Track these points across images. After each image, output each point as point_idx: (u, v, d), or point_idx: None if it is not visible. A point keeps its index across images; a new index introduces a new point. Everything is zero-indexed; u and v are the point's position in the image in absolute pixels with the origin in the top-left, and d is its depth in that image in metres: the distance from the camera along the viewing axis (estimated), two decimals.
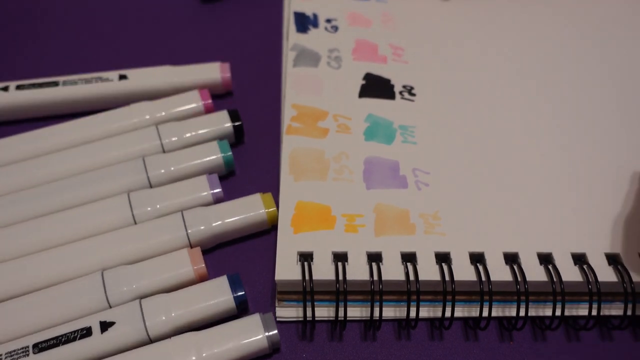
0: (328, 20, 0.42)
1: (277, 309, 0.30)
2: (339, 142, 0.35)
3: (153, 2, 0.46)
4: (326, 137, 0.35)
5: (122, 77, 0.38)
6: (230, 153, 0.35)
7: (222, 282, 0.29)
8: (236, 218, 0.32)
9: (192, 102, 0.37)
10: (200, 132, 0.36)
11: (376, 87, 0.38)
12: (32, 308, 0.29)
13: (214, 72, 0.39)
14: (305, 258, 0.30)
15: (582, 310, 0.30)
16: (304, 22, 0.42)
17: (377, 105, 0.37)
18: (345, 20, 0.42)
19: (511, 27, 0.43)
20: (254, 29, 0.44)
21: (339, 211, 0.32)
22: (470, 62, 0.40)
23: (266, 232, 0.33)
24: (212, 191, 0.33)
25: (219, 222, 0.31)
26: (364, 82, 0.38)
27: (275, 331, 0.28)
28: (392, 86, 0.38)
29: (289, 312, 0.30)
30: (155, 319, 0.28)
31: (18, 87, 0.37)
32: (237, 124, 0.36)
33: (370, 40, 0.41)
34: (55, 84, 0.37)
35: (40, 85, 0.37)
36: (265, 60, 0.42)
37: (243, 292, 0.29)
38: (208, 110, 0.37)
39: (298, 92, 0.37)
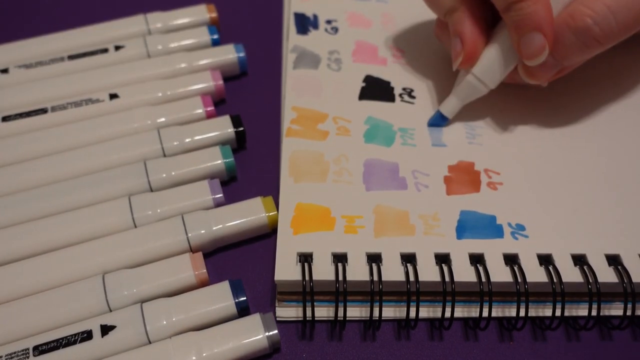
0: (328, 22, 0.42)
1: (277, 308, 0.30)
2: (339, 144, 0.35)
3: None
4: (326, 140, 0.35)
5: (113, 96, 0.37)
6: (232, 159, 0.34)
7: (224, 287, 0.30)
8: (237, 222, 0.32)
9: (194, 108, 0.37)
10: (202, 137, 0.35)
11: (376, 89, 0.38)
12: (33, 310, 0.29)
13: (206, 80, 0.38)
14: (305, 258, 0.30)
15: (582, 311, 0.30)
16: (304, 23, 0.42)
17: (377, 108, 0.37)
18: (345, 21, 0.42)
19: None
20: (253, 30, 0.44)
21: (339, 212, 0.32)
22: None
23: (267, 235, 0.33)
24: (213, 196, 0.33)
25: (220, 226, 0.31)
26: (363, 84, 0.38)
27: (276, 331, 0.28)
28: (392, 88, 0.38)
29: (288, 312, 0.30)
30: (156, 323, 0.28)
31: (4, 119, 0.36)
32: (239, 129, 0.36)
33: (370, 42, 0.41)
34: (44, 110, 0.36)
35: (28, 114, 0.36)
36: (266, 61, 0.42)
37: (244, 298, 0.29)
38: (210, 116, 0.37)
39: (298, 95, 0.37)
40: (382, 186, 0.33)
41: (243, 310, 0.29)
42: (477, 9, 0.34)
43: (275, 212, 0.32)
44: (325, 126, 0.36)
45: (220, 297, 0.29)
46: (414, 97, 0.38)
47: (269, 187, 0.35)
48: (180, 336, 0.28)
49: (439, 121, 0.36)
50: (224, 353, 0.27)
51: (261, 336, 0.28)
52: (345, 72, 0.39)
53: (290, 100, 0.37)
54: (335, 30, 0.42)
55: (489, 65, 0.34)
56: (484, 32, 0.34)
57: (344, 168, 0.34)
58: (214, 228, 0.31)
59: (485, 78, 0.34)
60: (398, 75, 0.39)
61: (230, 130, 0.36)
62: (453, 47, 0.35)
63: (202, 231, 0.31)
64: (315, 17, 0.43)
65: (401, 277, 0.29)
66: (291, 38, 0.41)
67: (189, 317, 0.29)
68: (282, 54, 0.42)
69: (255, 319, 0.28)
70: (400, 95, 0.38)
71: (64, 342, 0.27)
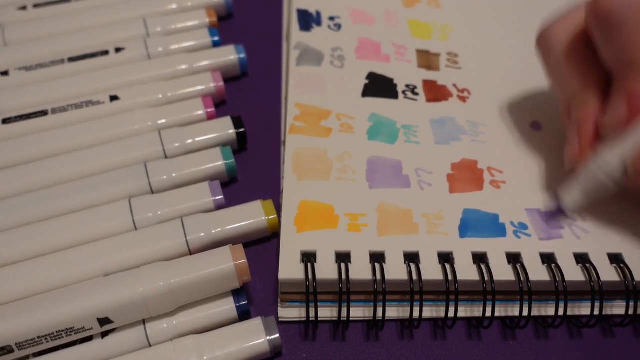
0: (331, 18, 0.42)
1: (279, 309, 0.30)
2: (342, 141, 0.35)
3: None
4: (329, 137, 0.35)
5: (114, 97, 0.37)
6: (232, 160, 0.34)
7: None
8: (236, 225, 0.32)
9: (195, 109, 0.37)
10: (203, 138, 0.35)
11: (379, 86, 0.38)
12: None
13: (206, 81, 0.38)
14: (309, 258, 0.30)
15: (585, 309, 0.30)
16: (307, 20, 0.42)
17: (380, 105, 0.37)
18: (348, 17, 0.42)
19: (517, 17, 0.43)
20: (254, 31, 0.44)
21: (342, 210, 0.32)
22: (471, 61, 0.40)
23: (266, 239, 0.33)
24: (213, 198, 0.33)
25: (219, 229, 0.31)
26: (367, 81, 0.38)
27: (277, 335, 0.28)
28: (395, 85, 0.38)
29: (291, 312, 0.30)
30: (156, 326, 0.28)
31: (4, 121, 0.36)
32: (240, 130, 0.36)
33: (374, 39, 0.41)
34: (44, 113, 0.36)
35: (29, 117, 0.36)
36: (267, 62, 0.42)
37: (246, 302, 0.29)
38: (210, 117, 0.37)
39: (301, 92, 0.37)
40: (386, 184, 0.33)
41: (244, 314, 0.29)
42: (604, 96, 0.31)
43: (275, 216, 0.32)
44: (328, 123, 0.36)
45: (221, 301, 0.29)
46: (417, 94, 0.38)
47: (270, 188, 0.35)
48: (182, 339, 0.28)
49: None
50: (226, 356, 0.27)
51: (262, 340, 0.28)
52: (348, 69, 0.39)
53: (293, 97, 0.37)
54: (339, 27, 0.42)
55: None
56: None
57: (348, 165, 0.34)
58: (213, 231, 0.31)
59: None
60: (401, 72, 0.39)
61: (231, 131, 0.36)
62: (570, 140, 0.32)
63: (202, 234, 0.31)
64: (318, 13, 0.42)
65: (404, 276, 0.29)
66: (294, 35, 0.41)
67: (189, 320, 0.29)
68: (282, 53, 0.42)
69: (257, 322, 0.28)
70: (404, 92, 0.38)
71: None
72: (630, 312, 0.29)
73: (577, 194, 0.30)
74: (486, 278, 0.29)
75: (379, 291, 0.28)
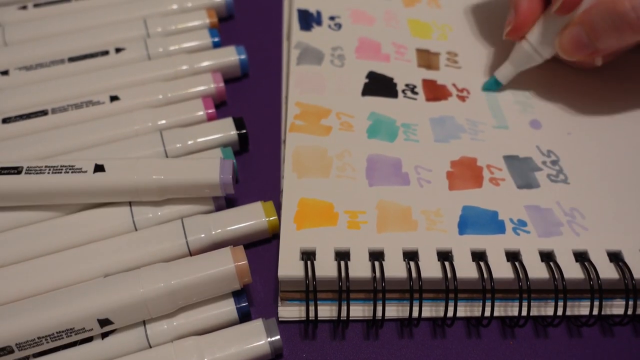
0: (331, 18, 0.42)
1: (279, 308, 0.30)
2: (342, 139, 0.35)
3: None
4: (329, 135, 0.35)
5: (114, 98, 0.37)
6: (233, 161, 0.34)
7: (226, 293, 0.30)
8: (237, 226, 0.31)
9: (195, 110, 0.37)
10: (205, 139, 0.35)
11: (379, 85, 0.38)
12: None
13: (207, 82, 0.38)
14: (308, 256, 0.30)
15: (584, 308, 0.30)
16: (308, 20, 0.42)
17: (380, 104, 0.37)
18: (348, 17, 0.42)
19: None
20: (254, 32, 0.44)
21: (342, 208, 0.32)
22: (471, 60, 0.40)
23: (267, 240, 0.33)
24: (214, 199, 0.33)
25: (219, 230, 0.31)
26: (367, 80, 0.38)
27: (278, 337, 0.28)
28: (395, 84, 0.38)
29: (291, 312, 0.30)
30: (156, 327, 0.28)
31: (4, 121, 0.36)
32: (242, 132, 0.36)
33: (374, 39, 0.41)
34: (44, 112, 0.36)
35: (29, 116, 0.36)
36: (267, 63, 0.42)
37: (246, 304, 0.29)
38: (211, 119, 0.37)
39: (301, 90, 0.37)
40: (385, 181, 0.33)
41: (244, 316, 0.29)
42: None
43: (276, 217, 0.32)
44: (328, 121, 0.36)
45: (221, 302, 0.29)
46: (416, 93, 0.38)
47: (271, 189, 0.35)
48: (182, 340, 0.28)
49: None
50: (226, 358, 0.27)
51: (263, 342, 0.28)
52: (348, 68, 0.39)
53: (293, 95, 0.37)
54: (339, 26, 0.42)
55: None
56: (541, 6, 0.36)
57: (347, 163, 0.34)
58: (214, 232, 0.31)
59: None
60: (401, 71, 0.39)
61: (233, 132, 0.36)
62: (508, 17, 0.37)
63: (202, 235, 0.31)
64: (319, 13, 0.43)
65: (403, 274, 0.29)
66: (295, 34, 0.41)
67: (190, 321, 0.29)
68: (282, 53, 0.42)
69: (258, 324, 0.28)
70: (404, 91, 0.38)
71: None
72: (630, 311, 0.29)
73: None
74: (485, 276, 0.29)
75: (378, 289, 0.28)
